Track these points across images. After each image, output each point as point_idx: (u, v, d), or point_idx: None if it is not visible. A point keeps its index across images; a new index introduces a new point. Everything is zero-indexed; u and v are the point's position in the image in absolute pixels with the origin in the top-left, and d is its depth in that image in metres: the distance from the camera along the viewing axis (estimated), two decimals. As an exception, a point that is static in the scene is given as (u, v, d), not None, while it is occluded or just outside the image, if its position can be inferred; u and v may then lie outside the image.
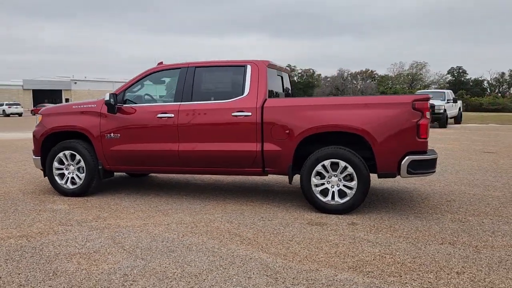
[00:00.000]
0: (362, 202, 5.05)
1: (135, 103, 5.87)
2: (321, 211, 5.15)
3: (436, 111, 20.71)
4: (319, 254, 3.82)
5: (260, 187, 6.76)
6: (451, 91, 24.67)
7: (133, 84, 5.91)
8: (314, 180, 5.12)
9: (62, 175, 6.12)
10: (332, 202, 5.08)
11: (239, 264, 3.58)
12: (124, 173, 7.61)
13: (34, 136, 6.25)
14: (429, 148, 5.11)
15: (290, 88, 6.81)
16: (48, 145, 6.20)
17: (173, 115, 5.56)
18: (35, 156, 6.27)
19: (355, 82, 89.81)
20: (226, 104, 5.40)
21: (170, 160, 5.67)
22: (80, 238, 4.28)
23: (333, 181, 5.09)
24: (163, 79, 6.05)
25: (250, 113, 5.28)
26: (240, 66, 5.49)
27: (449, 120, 23.37)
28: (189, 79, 5.64)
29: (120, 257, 3.75)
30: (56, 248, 3.98)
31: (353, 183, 5.00)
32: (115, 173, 6.42)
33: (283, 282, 3.24)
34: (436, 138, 14.94)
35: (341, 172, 5.04)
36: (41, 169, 6.32)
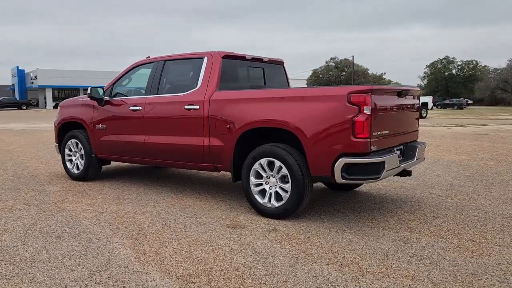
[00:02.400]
0: (297, 207, 4.48)
1: (124, 96, 6.19)
2: (259, 213, 4.74)
3: None
4: (177, 257, 3.56)
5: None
6: None
7: (120, 78, 6.24)
8: (253, 180, 4.74)
9: (71, 161, 6.81)
10: (268, 205, 4.64)
11: (89, 257, 3.56)
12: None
13: (54, 125, 7.08)
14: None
15: (287, 81, 6.33)
16: (64, 134, 6.96)
17: (141, 108, 5.72)
18: (55, 143, 7.10)
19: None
20: (181, 97, 5.34)
21: (140, 152, 5.85)
22: (16, 217, 4.74)
23: (271, 182, 4.65)
24: (144, 73, 6.22)
25: (198, 106, 5.13)
26: (199, 58, 5.35)
27: None
28: (158, 72, 5.72)
29: (12, 237, 4.06)
30: (-17, 223, 4.50)
31: (288, 186, 4.48)
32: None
33: (92, 280, 3.13)
34: None
35: (278, 173, 4.56)
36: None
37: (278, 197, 4.59)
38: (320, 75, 72.69)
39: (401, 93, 4.62)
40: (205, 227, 4.37)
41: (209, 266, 3.39)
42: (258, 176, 4.71)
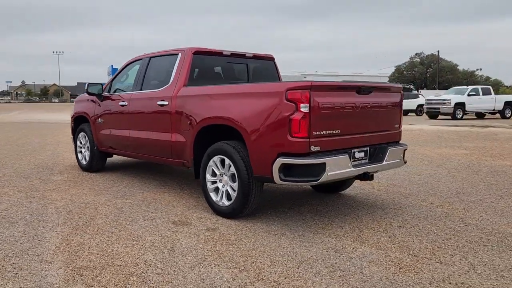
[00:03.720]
0: (244, 207, 4.33)
1: (120, 92, 6.43)
2: (214, 211, 4.68)
3: None
4: (94, 250, 3.63)
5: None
6: None
7: (118, 75, 6.49)
8: (208, 177, 4.68)
9: (81, 152, 7.25)
10: (220, 203, 4.56)
11: (17, 244, 3.76)
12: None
13: (70, 118, 7.58)
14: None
15: (278, 77, 6.13)
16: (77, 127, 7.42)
17: (127, 104, 5.91)
18: (71, 135, 7.60)
19: None
20: (155, 93, 5.42)
21: (127, 145, 6.05)
22: (-2, 202, 5.17)
23: (224, 180, 4.56)
24: (136, 69, 6.38)
25: (167, 102, 5.17)
26: (174, 55, 5.39)
27: None
28: (143, 69, 5.86)
29: (-26, 220, 4.43)
30: (-34, 206, 4.97)
31: (235, 184, 4.36)
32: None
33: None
34: None
35: (228, 171, 4.46)
36: (77, 147, 7.60)
37: (229, 196, 4.48)
38: (404, 72, 69.10)
39: (360, 90, 4.25)
40: (151, 222, 4.40)
41: (113, 260, 3.41)
42: (213, 174, 4.64)
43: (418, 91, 44.20)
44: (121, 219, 4.48)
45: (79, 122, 7.32)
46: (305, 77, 73.63)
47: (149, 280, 3.06)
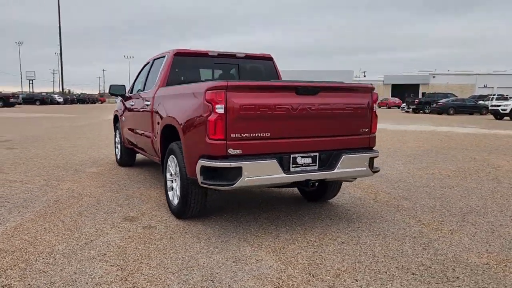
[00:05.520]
0: (185, 209, 4.32)
1: (137, 92, 6.85)
2: (170, 210, 4.76)
3: None
4: (27, 236, 3.98)
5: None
6: None
7: (138, 75, 6.93)
8: (168, 176, 4.78)
9: (118, 148, 7.91)
10: (172, 203, 4.63)
11: (-19, 224, 4.34)
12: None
13: (114, 117, 8.30)
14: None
15: (277, 76, 5.92)
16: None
17: (134, 103, 6.30)
18: (114, 132, 8.32)
19: None
20: (145, 94, 5.68)
21: (134, 142, 6.44)
22: (14, 187, 5.92)
23: (178, 180, 4.61)
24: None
25: (149, 102, 5.39)
26: (163, 57, 5.58)
27: None
28: (147, 70, 6.18)
29: (-22, 202, 5.19)
30: (-12, 190, 5.82)
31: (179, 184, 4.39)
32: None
33: None
34: None
35: (176, 170, 4.50)
36: (119, 143, 8.29)
37: (178, 196, 4.52)
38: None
39: (299, 90, 3.91)
40: (107, 215, 4.64)
41: (28, 247, 3.69)
42: (171, 173, 4.71)
43: None
44: (86, 211, 4.80)
45: (116, 120, 7.97)
46: (433, 77, 68.35)
47: (31, 268, 3.27)
